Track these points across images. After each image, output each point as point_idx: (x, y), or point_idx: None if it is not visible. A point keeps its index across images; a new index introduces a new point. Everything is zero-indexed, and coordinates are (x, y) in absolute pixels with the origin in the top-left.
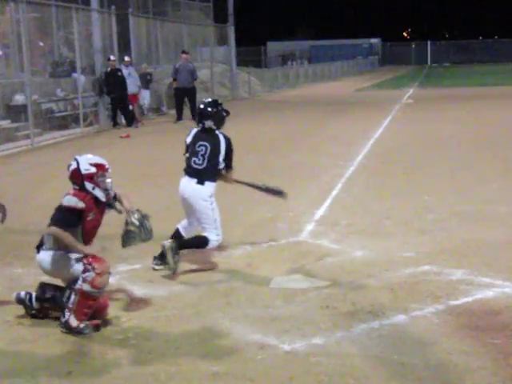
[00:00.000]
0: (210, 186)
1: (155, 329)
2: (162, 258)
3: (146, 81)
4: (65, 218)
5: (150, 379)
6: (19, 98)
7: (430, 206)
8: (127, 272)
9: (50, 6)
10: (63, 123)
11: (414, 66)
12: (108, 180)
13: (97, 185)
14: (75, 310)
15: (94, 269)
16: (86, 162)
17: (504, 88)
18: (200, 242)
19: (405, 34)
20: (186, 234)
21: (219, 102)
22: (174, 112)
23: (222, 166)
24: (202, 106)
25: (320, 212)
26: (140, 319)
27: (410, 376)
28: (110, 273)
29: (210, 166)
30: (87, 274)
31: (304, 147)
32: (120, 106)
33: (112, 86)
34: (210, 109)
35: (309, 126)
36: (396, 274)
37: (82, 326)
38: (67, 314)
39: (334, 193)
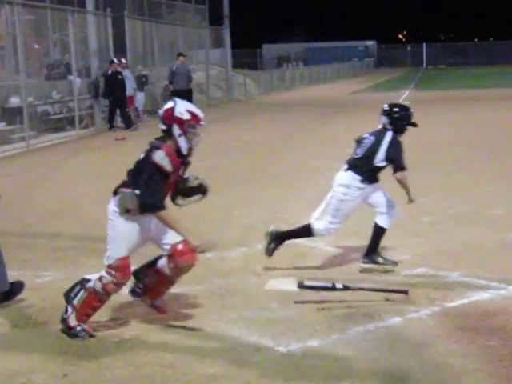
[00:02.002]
0: (352, 178)
1: (151, 331)
2: (367, 255)
3: (141, 83)
4: (152, 179)
5: (146, 381)
6: (14, 101)
7: (426, 209)
8: None
9: (45, 8)
10: (59, 125)
11: (410, 69)
12: (198, 135)
13: (184, 133)
14: (78, 308)
15: (114, 276)
16: (184, 107)
17: (499, 90)
18: (304, 231)
19: (400, 37)
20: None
21: (410, 110)
22: None
23: (379, 163)
24: (392, 103)
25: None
26: (136, 321)
27: (406, 378)
28: (125, 284)
29: (363, 158)
30: (107, 275)
31: (300, 149)
32: (120, 109)
33: (112, 89)
34: (396, 109)
35: (304, 128)
36: (392, 276)
37: (78, 328)
38: (69, 310)
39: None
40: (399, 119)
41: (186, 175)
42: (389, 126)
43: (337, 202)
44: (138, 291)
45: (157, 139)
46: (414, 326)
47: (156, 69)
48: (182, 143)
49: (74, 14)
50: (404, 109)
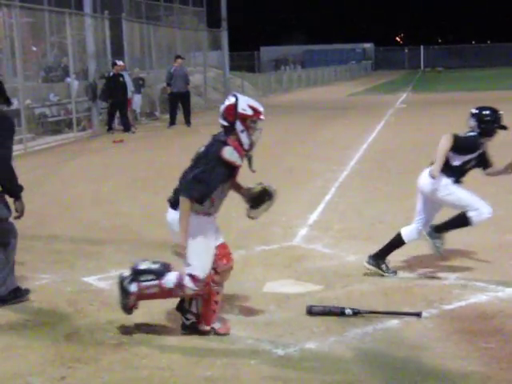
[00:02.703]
0: (441, 177)
1: (149, 334)
2: (375, 257)
3: (138, 85)
4: (220, 173)
5: None
6: (12, 103)
7: None
8: None
9: (43, 10)
10: (56, 128)
11: (407, 71)
12: (259, 129)
13: (247, 129)
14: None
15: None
16: (245, 103)
17: (497, 92)
18: (461, 220)
19: (398, 39)
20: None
21: (500, 113)
22: (167, 117)
23: (455, 162)
24: (481, 106)
25: (313, 217)
26: (134, 324)
27: (404, 380)
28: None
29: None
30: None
31: (297, 152)
32: (120, 112)
33: (113, 91)
34: (486, 112)
35: (302, 131)
36: (389, 278)
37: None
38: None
39: (328, 197)
40: (489, 122)
41: (250, 185)
42: (476, 130)
43: (449, 198)
44: (190, 323)
45: (219, 134)
46: (411, 329)
47: (154, 71)
48: (244, 139)
49: (72, 16)
50: (494, 111)
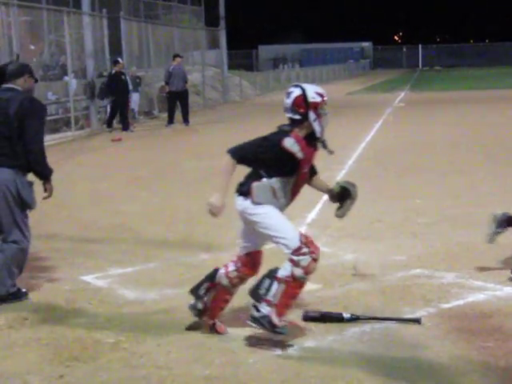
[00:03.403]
0: None
1: (147, 332)
2: None
3: (135, 84)
4: (281, 162)
5: (141, 383)
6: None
7: (422, 210)
8: (119, 275)
9: (41, 9)
10: (54, 127)
11: (406, 70)
12: (327, 113)
13: (318, 117)
14: (278, 303)
15: (311, 253)
16: (312, 90)
17: (495, 91)
18: None
19: (396, 38)
20: None
21: None
22: (165, 115)
23: None
24: None
25: (311, 215)
26: (131, 323)
27: (402, 379)
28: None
29: None
30: (302, 257)
31: None
32: (121, 110)
33: (115, 89)
34: None
35: None
36: (387, 277)
37: (281, 326)
38: (266, 308)
39: (326, 196)
40: None
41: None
42: None
43: None
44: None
45: (284, 125)
46: (409, 327)
47: (152, 70)
48: (317, 127)
49: (70, 15)
50: None
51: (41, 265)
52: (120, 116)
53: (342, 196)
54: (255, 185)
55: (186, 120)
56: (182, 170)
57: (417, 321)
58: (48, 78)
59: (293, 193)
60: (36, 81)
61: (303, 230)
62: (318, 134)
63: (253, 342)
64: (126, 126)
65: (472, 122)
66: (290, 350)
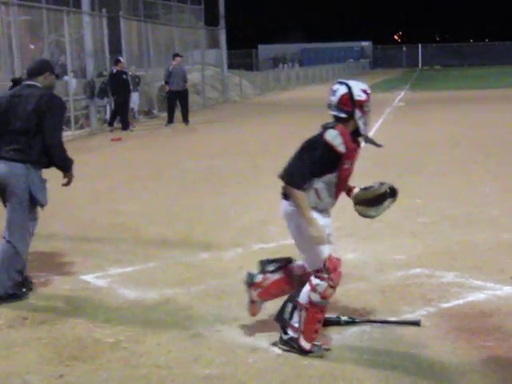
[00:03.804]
0: None
1: (147, 332)
2: None
3: (134, 83)
4: (317, 155)
5: (141, 382)
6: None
7: (422, 209)
8: (119, 275)
9: (40, 8)
10: None
11: (405, 69)
12: (369, 110)
13: (363, 114)
14: (304, 330)
15: (328, 279)
16: (358, 88)
17: (495, 91)
18: None
19: (396, 37)
20: None
21: None
22: (165, 115)
23: None
24: None
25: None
26: (132, 322)
27: (402, 379)
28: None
29: None
30: (319, 281)
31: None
32: (121, 109)
33: (116, 88)
34: None
35: (300, 129)
36: (387, 276)
37: (315, 349)
38: (293, 334)
39: None
40: None
41: (368, 184)
42: None
43: None
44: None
45: (328, 123)
46: (409, 327)
47: (152, 69)
48: (362, 124)
49: (70, 14)
50: None
51: (40, 264)
52: (121, 116)
53: (382, 196)
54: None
55: (185, 119)
56: (181, 169)
57: (416, 323)
58: None
59: (337, 191)
60: (57, 77)
61: None
62: (363, 131)
63: (252, 341)
64: (125, 126)
65: (472, 122)
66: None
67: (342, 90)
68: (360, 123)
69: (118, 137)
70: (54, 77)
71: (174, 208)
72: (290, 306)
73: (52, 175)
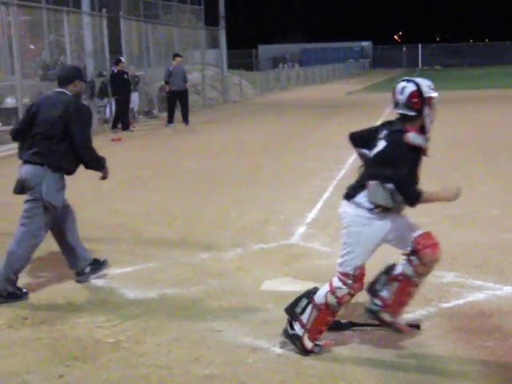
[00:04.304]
0: None
1: (147, 332)
2: None
3: (133, 84)
4: (409, 167)
5: (141, 382)
6: (10, 101)
7: (421, 209)
8: (119, 275)
9: (40, 8)
10: None
11: (405, 69)
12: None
13: (431, 111)
14: (310, 328)
15: (350, 287)
16: (425, 84)
17: (495, 91)
18: None
19: (396, 37)
20: None
21: None
22: (165, 115)
23: None
24: None
25: (311, 215)
26: (131, 322)
27: (402, 379)
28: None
29: None
30: (341, 285)
31: (295, 150)
32: (122, 109)
33: (118, 88)
34: None
35: (300, 129)
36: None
37: (316, 350)
38: (299, 329)
39: (326, 196)
40: None
41: None
42: None
43: None
44: (376, 309)
45: (388, 123)
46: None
47: (151, 69)
48: (428, 122)
49: (70, 14)
50: None
51: (40, 264)
52: (122, 116)
53: None
54: (374, 183)
55: (185, 119)
56: (181, 169)
57: (416, 326)
58: (48, 78)
59: None
60: (84, 81)
61: (303, 229)
62: (428, 130)
63: (252, 341)
64: (125, 126)
65: (472, 122)
66: (290, 350)
67: (411, 87)
68: (426, 121)
69: (118, 137)
70: (83, 84)
71: (174, 208)
72: (304, 302)
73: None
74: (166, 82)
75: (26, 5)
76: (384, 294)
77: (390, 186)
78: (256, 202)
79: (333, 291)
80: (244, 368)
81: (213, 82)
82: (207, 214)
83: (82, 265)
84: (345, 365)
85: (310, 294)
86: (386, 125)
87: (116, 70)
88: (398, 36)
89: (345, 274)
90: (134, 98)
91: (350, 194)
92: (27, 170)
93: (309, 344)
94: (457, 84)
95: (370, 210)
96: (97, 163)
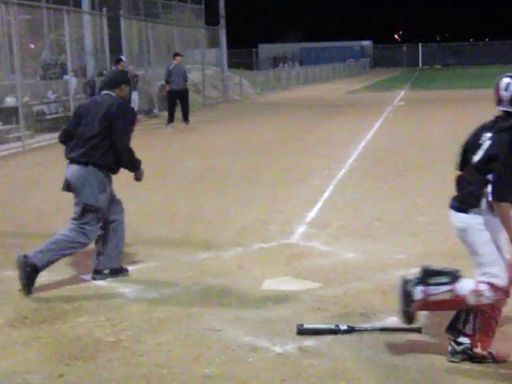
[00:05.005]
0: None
1: (147, 331)
2: None
3: (133, 83)
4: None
5: (142, 381)
6: (10, 100)
7: (422, 208)
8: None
9: (41, 7)
10: (54, 125)
11: (406, 69)
12: None
13: None
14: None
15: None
16: None
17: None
18: None
19: (396, 37)
20: None
21: None
22: (165, 114)
23: None
24: None
25: (311, 214)
26: (132, 322)
27: (402, 378)
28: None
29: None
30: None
31: (296, 150)
32: None
33: None
34: None
35: (300, 129)
36: (387, 276)
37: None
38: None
39: (326, 195)
40: None
41: None
42: None
43: None
44: (464, 348)
45: (488, 126)
46: (409, 326)
47: (152, 68)
48: None
49: (70, 13)
50: None
51: None
52: None
53: None
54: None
55: (186, 119)
56: (182, 168)
57: (417, 330)
58: (48, 77)
59: None
60: (130, 86)
61: (303, 228)
62: None
63: (253, 340)
64: None
65: (472, 121)
66: (290, 349)
67: None
68: None
69: None
70: (128, 88)
71: (174, 207)
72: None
73: (44, 172)
74: (167, 81)
75: (27, 4)
76: (468, 330)
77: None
78: (256, 201)
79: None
80: (244, 367)
81: (213, 81)
82: (207, 214)
83: (103, 265)
84: (345, 364)
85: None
86: (486, 128)
87: (117, 69)
88: (398, 35)
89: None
90: (134, 97)
91: (465, 204)
92: (73, 170)
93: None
94: (457, 83)
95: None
96: (132, 164)
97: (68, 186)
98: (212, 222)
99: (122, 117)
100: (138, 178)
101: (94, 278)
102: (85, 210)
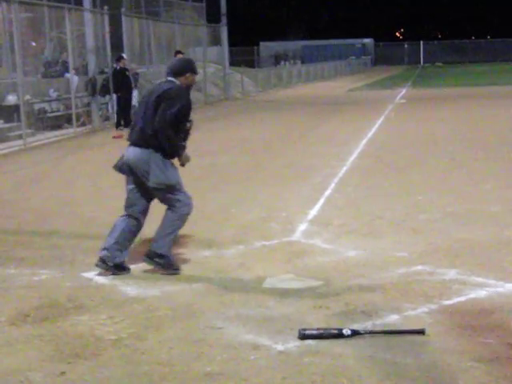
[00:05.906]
0: None
1: (148, 329)
2: None
3: (134, 81)
4: None
5: (143, 380)
6: (11, 99)
7: (423, 206)
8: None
9: (42, 5)
10: (56, 123)
11: (407, 66)
12: None
13: None
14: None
15: None
16: None
17: (496, 88)
18: None
19: (397, 34)
20: None
21: None
22: None
23: None
24: None
25: (313, 212)
26: (133, 319)
27: (403, 376)
28: None
29: None
30: None
31: (297, 147)
32: (124, 106)
33: (119, 85)
34: None
35: (302, 126)
36: (389, 273)
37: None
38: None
39: (327, 193)
40: None
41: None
42: None
43: None
44: None
45: None
46: (411, 324)
47: (153, 66)
48: None
49: (71, 11)
50: None
51: (42, 261)
52: (124, 113)
53: None
54: None
55: None
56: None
57: (421, 332)
58: (49, 75)
59: None
60: (196, 74)
61: (304, 226)
62: None
63: (254, 338)
64: (127, 123)
65: (473, 119)
66: (291, 347)
67: None
68: None
69: (120, 134)
70: (194, 76)
71: None
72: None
73: (45, 170)
74: None
75: (28, 2)
76: None
77: None
78: (258, 199)
79: None
80: (246, 365)
81: (214, 79)
82: (208, 211)
83: (112, 257)
84: (346, 362)
85: None
86: None
87: (118, 67)
88: (400, 33)
89: None
90: (135, 94)
91: None
92: (134, 152)
93: None
94: (458, 81)
95: None
96: (171, 146)
97: (129, 169)
98: (213, 219)
99: (172, 99)
100: (182, 164)
101: (97, 266)
102: (161, 191)
